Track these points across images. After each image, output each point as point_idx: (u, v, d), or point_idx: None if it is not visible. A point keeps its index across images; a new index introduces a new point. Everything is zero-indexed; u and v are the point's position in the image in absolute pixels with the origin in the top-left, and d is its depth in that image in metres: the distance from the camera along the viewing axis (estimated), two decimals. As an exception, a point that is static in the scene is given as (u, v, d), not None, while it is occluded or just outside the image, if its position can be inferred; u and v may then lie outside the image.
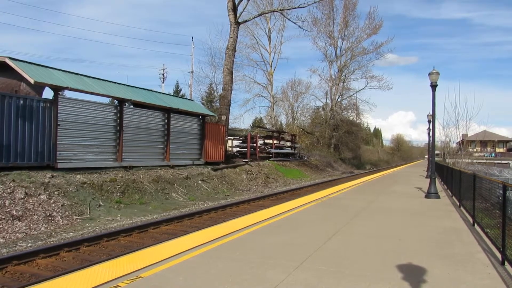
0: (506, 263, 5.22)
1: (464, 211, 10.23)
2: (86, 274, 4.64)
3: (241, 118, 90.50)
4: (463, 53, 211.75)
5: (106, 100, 21.44)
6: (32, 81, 12.09)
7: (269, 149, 31.11)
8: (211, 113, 23.52)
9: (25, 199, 10.19)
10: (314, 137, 47.87)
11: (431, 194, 13.04)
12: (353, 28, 51.14)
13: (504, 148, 74.58)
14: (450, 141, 29.11)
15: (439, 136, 28.13)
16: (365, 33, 50.67)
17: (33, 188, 10.72)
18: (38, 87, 12.90)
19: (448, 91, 62.93)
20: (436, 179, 14.13)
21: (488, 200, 6.96)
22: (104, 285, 4.23)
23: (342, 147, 52.31)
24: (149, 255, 5.46)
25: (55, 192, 11.16)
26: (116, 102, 16.13)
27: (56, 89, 12.95)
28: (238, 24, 24.84)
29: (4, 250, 7.79)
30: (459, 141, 29.50)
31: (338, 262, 5.21)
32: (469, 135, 30.40)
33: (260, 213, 9.63)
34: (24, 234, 9.05)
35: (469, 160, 29.64)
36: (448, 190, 16.47)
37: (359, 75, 52.62)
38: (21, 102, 11.69)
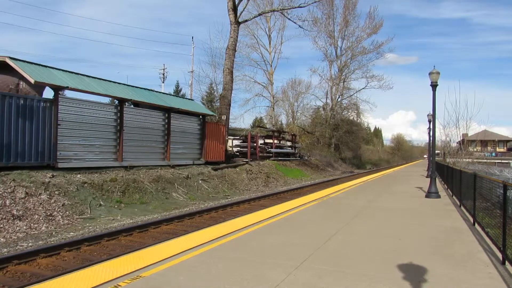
0: (506, 262, 5.21)
1: (464, 210, 10.23)
2: (87, 273, 4.64)
3: (241, 118, 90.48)
4: (463, 52, 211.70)
5: (107, 100, 21.45)
6: (32, 81, 12.09)
7: (270, 149, 31.10)
8: (211, 113, 23.52)
9: (26, 198, 10.19)
10: (314, 136, 47.85)
11: (431, 193, 13.03)
12: (353, 27, 51.26)
13: (505, 148, 74.59)
14: (450, 140, 29.06)
15: (440, 135, 28.11)
16: (365, 32, 50.77)
17: (34, 188, 10.73)
18: (39, 86, 12.90)
19: (448, 91, 62.95)
20: (437, 179, 14.12)
21: (489, 200, 6.96)
22: (105, 285, 4.23)
23: (342, 146, 52.34)
24: (149, 255, 5.46)
25: (56, 192, 11.16)
26: (116, 102, 16.13)
27: (57, 89, 12.96)
28: (238, 23, 24.83)
29: (5, 250, 7.80)
30: (460, 141, 29.44)
31: (339, 261, 5.20)
32: (469, 135, 30.33)
33: (260, 212, 9.63)
34: (25, 233, 9.06)
35: (470, 160, 29.57)
36: (448, 189, 16.46)
37: (359, 75, 52.73)
38: (22, 101, 11.69)
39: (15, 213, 9.52)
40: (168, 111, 18.03)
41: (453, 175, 14.55)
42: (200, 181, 17.91)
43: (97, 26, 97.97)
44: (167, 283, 4.31)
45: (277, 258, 5.29)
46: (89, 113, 14.06)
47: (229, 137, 27.66)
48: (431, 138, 23.35)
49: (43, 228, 9.58)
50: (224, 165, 21.83)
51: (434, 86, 12.90)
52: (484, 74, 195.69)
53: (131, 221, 11.08)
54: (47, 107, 12.44)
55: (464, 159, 27.51)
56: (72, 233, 9.41)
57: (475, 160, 32.66)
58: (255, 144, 28.53)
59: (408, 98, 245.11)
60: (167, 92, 27.90)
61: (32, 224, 9.52)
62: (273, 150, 31.15)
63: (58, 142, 12.67)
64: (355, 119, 56.95)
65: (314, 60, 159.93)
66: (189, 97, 34.56)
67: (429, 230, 7.48)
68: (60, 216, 10.33)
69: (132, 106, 17.01)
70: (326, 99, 53.58)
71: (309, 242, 6.22)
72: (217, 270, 4.76)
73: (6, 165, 11.07)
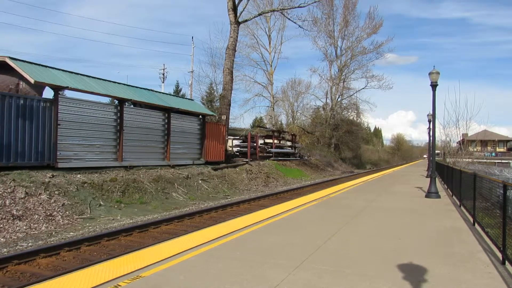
0: (506, 262, 5.21)
1: (464, 210, 10.23)
2: (87, 273, 4.64)
3: (241, 118, 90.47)
4: (463, 52, 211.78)
5: (106, 100, 21.42)
6: (32, 81, 12.09)
7: (270, 149, 31.10)
8: (211, 113, 23.53)
9: (26, 198, 10.19)
10: (314, 136, 47.85)
11: (431, 193, 13.03)
12: (353, 27, 51.33)
13: (505, 148, 74.56)
14: (450, 140, 29.09)
15: (440, 135, 28.14)
16: (365, 32, 50.83)
17: (34, 188, 10.73)
18: (38, 86, 12.90)
19: (448, 91, 63.11)
20: (437, 179, 14.12)
21: (489, 200, 6.96)
22: (105, 285, 4.23)
23: (342, 146, 52.34)
24: (149, 255, 5.46)
25: (56, 192, 11.16)
26: (116, 102, 16.13)
27: (56, 89, 12.96)
28: (238, 23, 24.82)
29: (5, 250, 7.80)
30: (460, 141, 29.45)
31: (339, 261, 5.20)
32: (469, 135, 30.32)
33: (260, 212, 9.63)
34: (25, 233, 9.06)
35: (470, 160, 29.58)
36: (448, 189, 16.46)
37: (359, 75, 52.79)
38: (22, 101, 11.69)
39: (15, 213, 9.52)
40: (168, 111, 18.03)
41: (453, 175, 14.55)
42: (200, 181, 17.90)
43: (97, 26, 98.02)
44: (167, 283, 4.31)
45: (277, 258, 5.29)
46: (89, 113, 14.06)
47: (229, 137, 27.67)
48: (431, 138, 23.37)
49: (43, 228, 9.58)
50: (224, 165, 21.83)
51: (434, 86, 12.90)
52: (484, 74, 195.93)
53: (131, 221, 11.08)
54: (47, 107, 12.44)
55: (464, 159, 27.52)
56: (72, 233, 9.41)
57: (475, 160, 32.67)
58: (255, 144, 28.53)
59: (408, 98, 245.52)
60: (167, 92, 27.87)
61: (32, 224, 9.52)
62: (273, 150, 31.15)
63: (58, 142, 12.67)
64: (355, 119, 57.00)
65: (314, 60, 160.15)
66: (189, 97, 34.53)
67: (429, 230, 7.48)
68: (60, 216, 10.33)
69: (132, 106, 17.01)
70: (326, 99, 53.68)
71: (309, 242, 6.22)
72: (217, 270, 4.76)
73: (6, 165, 11.06)
